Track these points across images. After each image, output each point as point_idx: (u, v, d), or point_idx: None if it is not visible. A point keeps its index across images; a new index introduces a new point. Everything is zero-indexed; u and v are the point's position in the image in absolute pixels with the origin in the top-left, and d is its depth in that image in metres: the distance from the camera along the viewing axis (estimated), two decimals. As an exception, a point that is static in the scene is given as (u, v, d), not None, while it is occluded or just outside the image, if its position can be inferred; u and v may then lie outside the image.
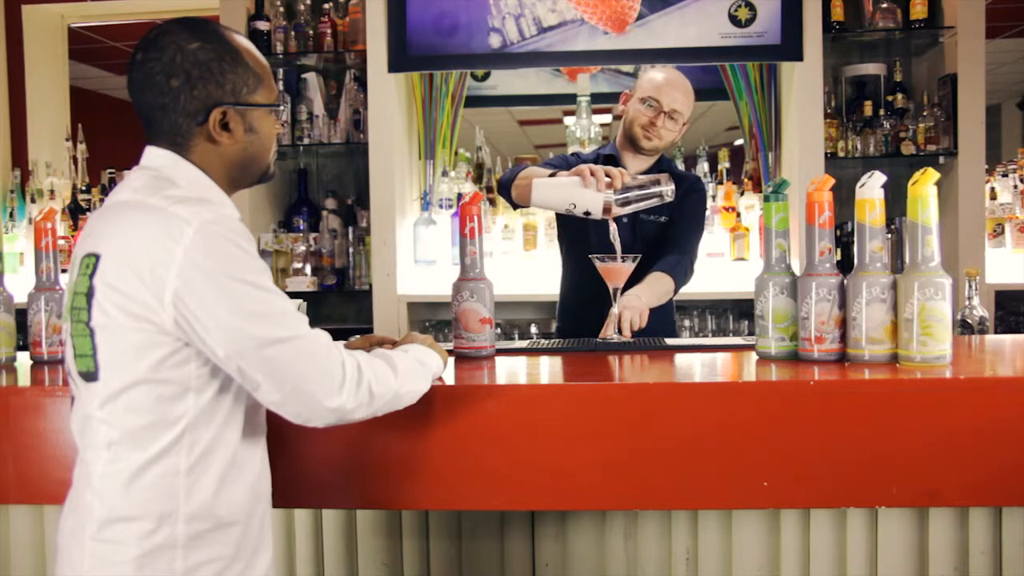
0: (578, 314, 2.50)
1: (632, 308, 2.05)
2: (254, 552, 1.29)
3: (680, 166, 3.72)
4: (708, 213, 3.52)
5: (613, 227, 2.10)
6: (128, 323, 1.17)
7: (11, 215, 3.89)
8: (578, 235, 2.47)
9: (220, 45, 1.27)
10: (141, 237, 1.17)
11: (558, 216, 2.53)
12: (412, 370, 1.36)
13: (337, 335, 1.63)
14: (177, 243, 1.15)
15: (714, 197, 3.63)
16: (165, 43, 1.25)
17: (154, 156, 1.28)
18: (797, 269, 1.66)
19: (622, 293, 2.05)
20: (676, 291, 2.31)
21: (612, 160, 2.44)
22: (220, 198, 1.29)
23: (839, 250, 3.37)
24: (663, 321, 2.39)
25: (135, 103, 1.28)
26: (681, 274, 2.31)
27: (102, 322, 1.18)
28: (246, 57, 1.30)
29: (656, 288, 2.21)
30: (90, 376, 1.21)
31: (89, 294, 1.19)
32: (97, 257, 1.19)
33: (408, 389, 1.35)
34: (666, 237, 2.41)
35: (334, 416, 1.23)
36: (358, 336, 1.63)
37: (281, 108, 1.38)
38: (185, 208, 1.18)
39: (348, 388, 1.22)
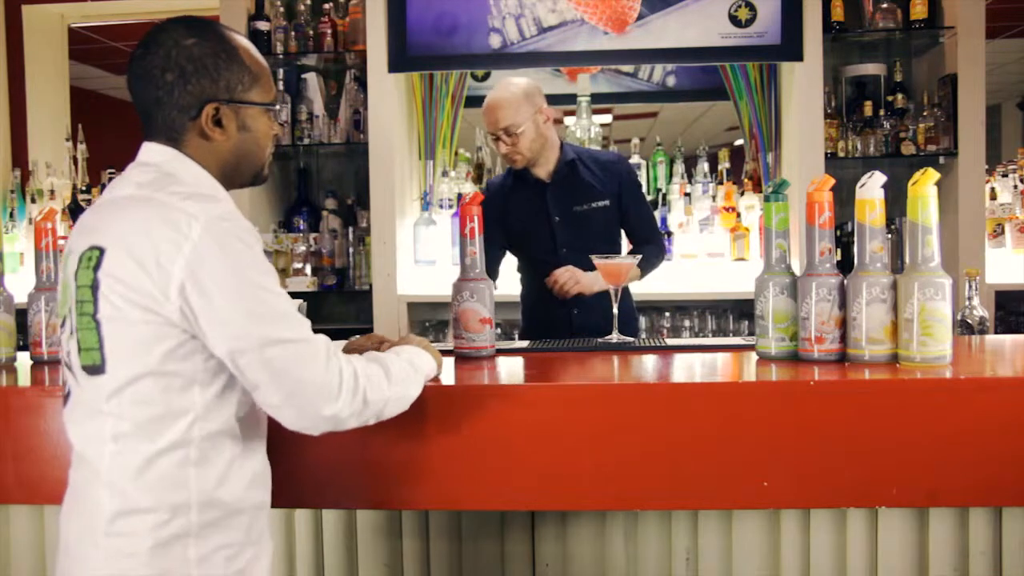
0: (542, 314, 2.58)
1: (571, 275, 2.25)
2: (260, 539, 1.31)
3: (680, 166, 3.72)
4: (708, 213, 3.56)
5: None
6: (136, 315, 1.17)
7: (11, 215, 3.89)
8: (526, 238, 2.59)
9: (216, 42, 1.28)
10: (148, 231, 1.17)
11: (497, 226, 2.58)
12: (404, 376, 1.35)
13: (337, 335, 1.62)
14: (186, 237, 1.16)
15: (714, 197, 3.63)
16: (163, 39, 1.26)
17: (152, 152, 1.29)
18: (797, 269, 1.66)
19: (623, 293, 2.05)
20: (641, 277, 2.50)
21: (521, 174, 2.56)
22: (224, 195, 1.30)
23: (839, 250, 3.37)
24: (626, 323, 2.48)
25: (133, 98, 1.29)
26: (648, 266, 2.50)
27: (109, 314, 1.18)
28: (242, 55, 1.30)
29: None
30: (96, 369, 1.21)
31: (94, 287, 1.19)
32: (101, 251, 1.19)
33: (399, 394, 1.33)
34: (630, 231, 2.58)
35: (329, 424, 1.23)
36: (359, 336, 1.63)
37: (277, 108, 1.39)
38: (193, 204, 1.19)
39: (345, 396, 1.22)
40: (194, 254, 1.15)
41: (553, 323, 2.50)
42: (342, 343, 1.62)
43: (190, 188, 1.24)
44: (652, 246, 2.52)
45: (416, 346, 1.47)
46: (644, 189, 2.78)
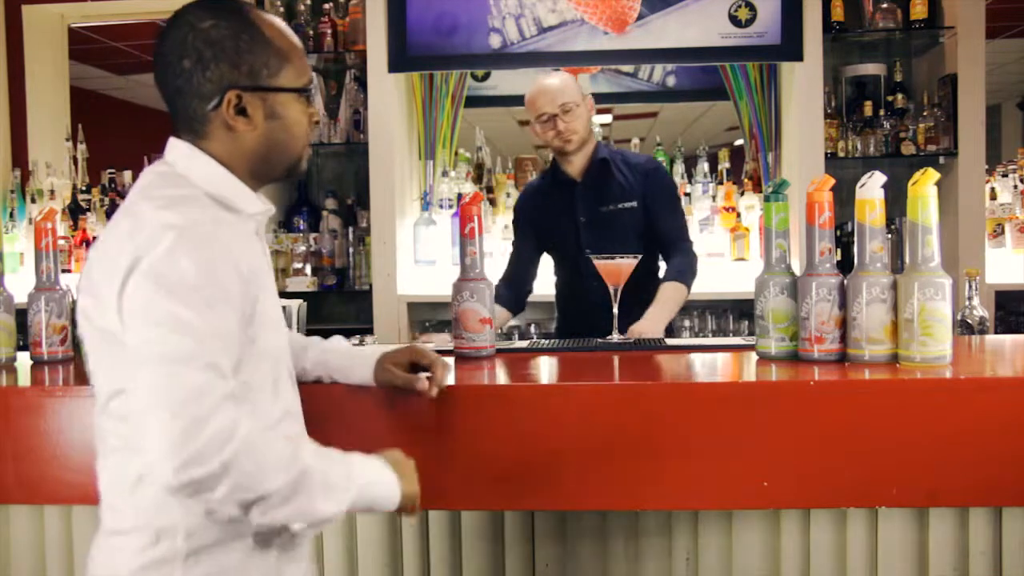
0: (576, 312, 2.56)
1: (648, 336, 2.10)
2: (276, 565, 1.21)
3: (680, 166, 3.72)
4: (708, 213, 3.55)
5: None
6: (91, 330, 1.14)
7: (11, 215, 3.89)
8: (554, 237, 2.56)
9: (237, 23, 1.18)
10: (114, 241, 1.11)
11: (532, 227, 2.59)
12: (323, 481, 1.11)
13: (337, 335, 1.61)
14: (136, 246, 1.08)
15: (714, 197, 3.63)
16: (179, 23, 1.18)
17: (173, 148, 1.21)
18: (797, 269, 1.66)
19: (623, 293, 2.05)
20: (689, 291, 2.40)
21: (554, 174, 2.55)
22: (233, 193, 1.20)
23: (839, 250, 3.37)
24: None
25: (159, 91, 1.22)
26: (690, 275, 2.41)
27: (83, 329, 1.16)
28: (269, 35, 1.19)
29: (672, 302, 2.32)
30: (89, 383, 1.19)
31: (74, 303, 1.17)
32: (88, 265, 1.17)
33: (295, 500, 1.08)
34: (658, 235, 2.47)
35: (174, 482, 1.02)
36: (396, 348, 1.49)
37: (311, 91, 1.25)
38: (159, 212, 1.11)
39: (195, 452, 1.01)
40: (134, 263, 1.06)
41: (583, 322, 2.47)
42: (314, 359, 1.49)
43: (185, 191, 1.16)
44: (682, 257, 2.43)
45: (386, 461, 1.22)
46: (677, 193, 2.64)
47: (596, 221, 2.48)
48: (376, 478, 1.20)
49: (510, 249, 2.67)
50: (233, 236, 1.16)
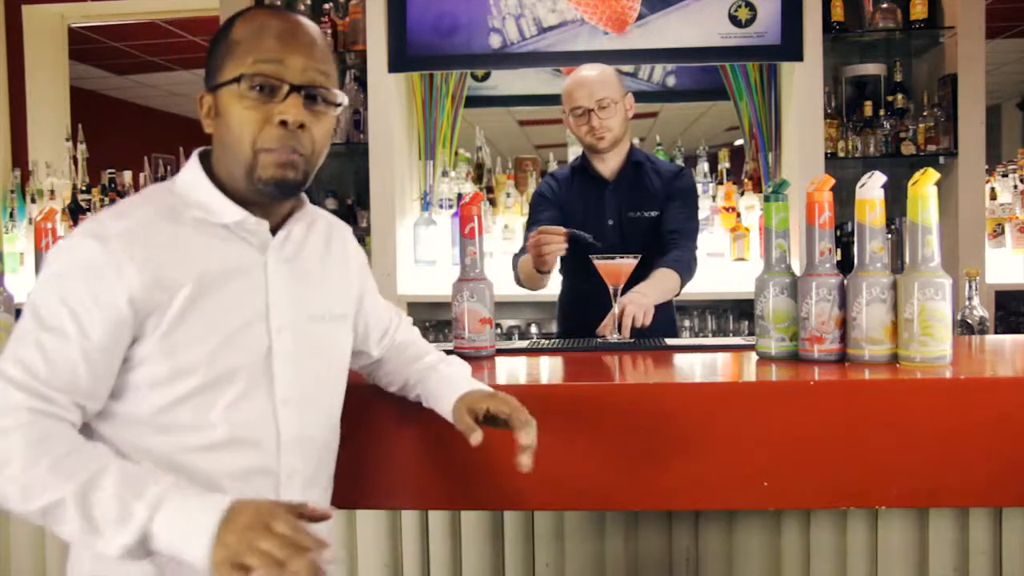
0: (580, 314, 2.51)
1: (637, 304, 2.01)
2: None
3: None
4: (708, 213, 3.55)
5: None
6: None
7: (11, 215, 3.89)
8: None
9: (226, 24, 1.14)
10: None
11: (563, 214, 2.52)
12: (87, 515, 0.99)
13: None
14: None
15: (714, 197, 3.63)
16: None
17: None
18: (797, 269, 1.66)
19: (623, 293, 2.04)
20: (682, 286, 2.29)
21: (584, 170, 2.48)
22: (200, 201, 1.15)
23: (839, 250, 3.37)
24: (664, 320, 2.39)
25: None
26: (686, 268, 2.29)
27: None
28: (233, 32, 1.12)
29: (662, 285, 2.20)
30: None
31: None
32: None
33: (54, 514, 1.00)
34: (663, 231, 2.39)
35: None
36: (486, 390, 1.36)
37: (251, 80, 1.09)
38: (91, 220, 1.11)
39: None
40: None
41: (587, 323, 2.27)
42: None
43: (157, 199, 1.14)
44: (681, 252, 2.31)
45: (224, 509, 1.01)
46: (696, 201, 2.51)
47: (624, 225, 2.42)
48: (159, 527, 1.00)
49: (513, 250, 2.57)
50: (181, 246, 1.11)
